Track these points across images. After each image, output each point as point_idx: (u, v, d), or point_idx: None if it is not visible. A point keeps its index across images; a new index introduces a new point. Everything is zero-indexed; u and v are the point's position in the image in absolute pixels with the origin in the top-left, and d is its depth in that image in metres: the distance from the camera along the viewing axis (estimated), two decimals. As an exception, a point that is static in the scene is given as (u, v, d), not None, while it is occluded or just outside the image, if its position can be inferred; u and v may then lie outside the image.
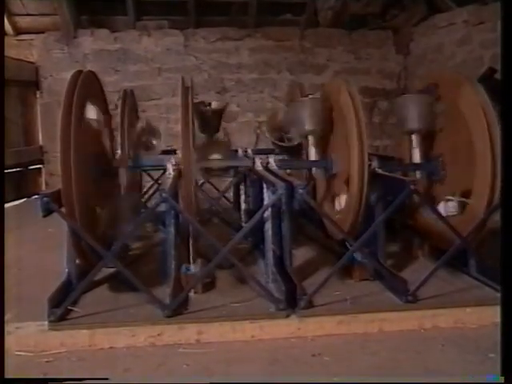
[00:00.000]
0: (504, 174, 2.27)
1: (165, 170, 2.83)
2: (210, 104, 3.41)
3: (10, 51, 6.03)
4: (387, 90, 6.87)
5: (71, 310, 2.35)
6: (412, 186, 2.44)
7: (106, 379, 1.88)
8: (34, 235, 3.99)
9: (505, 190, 2.18)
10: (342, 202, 2.88)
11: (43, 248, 3.54)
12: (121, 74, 6.45)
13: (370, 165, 2.63)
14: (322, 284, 2.46)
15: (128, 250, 3.23)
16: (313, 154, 3.06)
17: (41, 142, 6.47)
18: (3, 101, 4.66)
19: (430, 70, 6.10)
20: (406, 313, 2.38)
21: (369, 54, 6.84)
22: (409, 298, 2.42)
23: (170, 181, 2.68)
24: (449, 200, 2.73)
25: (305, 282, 2.61)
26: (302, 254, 3.19)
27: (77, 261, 2.54)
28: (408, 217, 3.10)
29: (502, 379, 1.67)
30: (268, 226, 2.66)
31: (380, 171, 2.72)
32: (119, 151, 3.24)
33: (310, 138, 3.06)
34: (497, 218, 2.39)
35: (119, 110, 3.57)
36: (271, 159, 3.04)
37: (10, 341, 2.14)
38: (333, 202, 3.01)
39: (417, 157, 2.95)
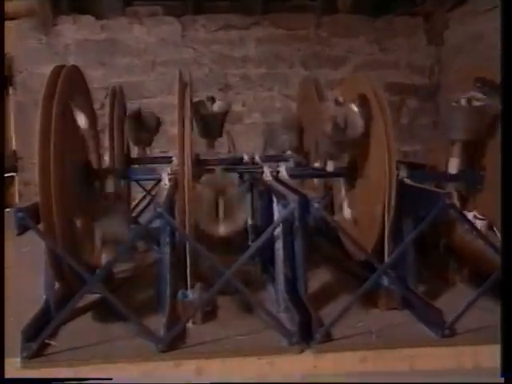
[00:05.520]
0: (504, 173, 2.33)
1: (159, 181, 2.85)
2: (212, 98, 3.37)
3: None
4: (417, 86, 6.89)
5: (49, 344, 2.36)
6: (447, 200, 2.44)
7: (110, 379, 2.05)
8: (6, 256, 4.00)
9: (505, 189, 2.25)
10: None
11: (17, 271, 3.55)
12: (108, 68, 6.52)
13: (397, 174, 2.64)
14: (342, 313, 2.46)
15: (112, 273, 3.23)
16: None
17: (14, 147, 6.53)
18: (3, 101, 4.71)
19: (469, 62, 6.11)
20: (441, 349, 2.37)
21: (396, 45, 6.87)
22: (445, 331, 2.41)
23: (165, 192, 2.70)
24: (478, 218, 2.75)
25: (321, 311, 2.61)
26: (318, 278, 3.19)
27: (56, 286, 2.55)
28: (443, 235, 3.10)
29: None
30: (279, 245, 2.67)
31: (409, 182, 2.73)
32: (106, 158, 3.26)
33: None
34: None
35: (108, 109, 3.60)
36: (282, 168, 3.05)
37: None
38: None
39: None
